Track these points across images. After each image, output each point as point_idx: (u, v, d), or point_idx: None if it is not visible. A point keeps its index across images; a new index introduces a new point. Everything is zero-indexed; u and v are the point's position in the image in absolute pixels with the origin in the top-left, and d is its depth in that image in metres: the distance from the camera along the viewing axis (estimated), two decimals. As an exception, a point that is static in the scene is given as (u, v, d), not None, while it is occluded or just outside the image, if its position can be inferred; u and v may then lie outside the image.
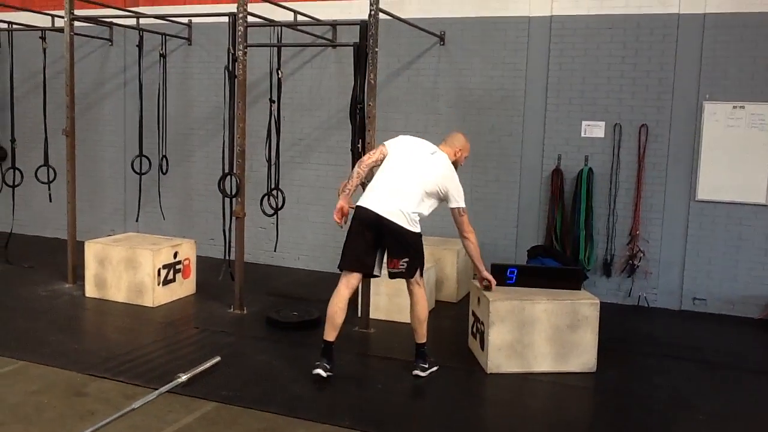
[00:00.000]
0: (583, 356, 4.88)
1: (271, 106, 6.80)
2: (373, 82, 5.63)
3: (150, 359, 4.93)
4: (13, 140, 8.07)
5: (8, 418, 3.92)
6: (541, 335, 4.83)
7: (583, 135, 6.81)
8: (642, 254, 6.69)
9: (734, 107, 6.34)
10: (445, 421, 4.12)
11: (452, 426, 4.06)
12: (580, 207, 6.75)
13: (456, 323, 5.88)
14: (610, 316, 5.84)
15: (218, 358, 4.82)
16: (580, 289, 5.14)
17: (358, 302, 5.81)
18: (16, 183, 8.04)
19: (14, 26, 8.09)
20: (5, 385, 4.38)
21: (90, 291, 6.46)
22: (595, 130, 6.77)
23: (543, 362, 4.86)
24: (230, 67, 6.21)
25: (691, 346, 5.67)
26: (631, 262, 6.72)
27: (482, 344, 4.95)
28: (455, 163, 4.86)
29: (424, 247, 4.81)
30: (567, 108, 6.84)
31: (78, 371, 4.62)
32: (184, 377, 4.43)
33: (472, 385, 4.73)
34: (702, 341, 5.81)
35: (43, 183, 8.04)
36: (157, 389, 4.29)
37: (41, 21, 8.13)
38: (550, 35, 6.82)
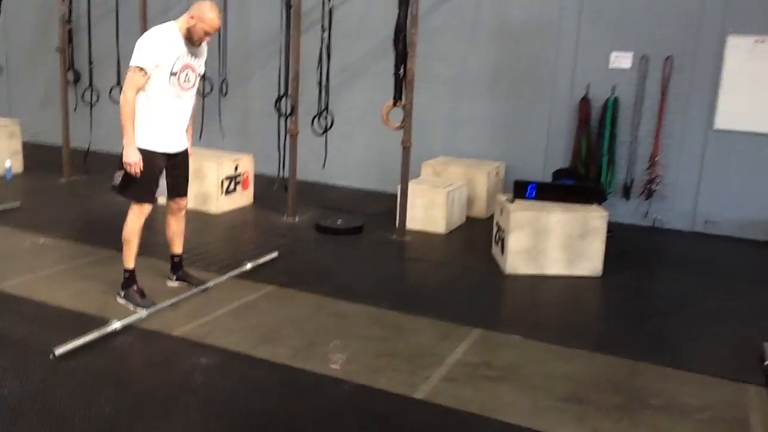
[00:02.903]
0: (591, 262, 5.58)
1: (322, 33, 7.40)
2: (415, 12, 6.20)
3: (219, 252, 5.81)
4: (90, 63, 8.89)
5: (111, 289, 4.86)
6: (554, 242, 5.54)
7: (611, 66, 7.29)
8: (660, 179, 7.24)
9: (756, 41, 6.73)
10: (467, 306, 4.93)
11: (474, 310, 4.85)
12: (604, 134, 7.29)
13: (483, 235, 6.61)
14: (625, 234, 6.51)
15: (276, 253, 5.68)
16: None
17: (396, 214, 6.57)
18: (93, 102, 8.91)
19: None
20: (106, 267, 5.32)
21: (162, 198, 7.32)
22: (623, 60, 7.24)
23: (555, 266, 5.58)
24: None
25: (696, 258, 6.32)
26: (649, 186, 7.26)
27: (502, 249, 5.68)
28: (190, 30, 4.57)
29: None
30: (597, 38, 7.30)
31: (161, 259, 5.51)
32: (249, 265, 5.31)
33: (492, 281, 5.50)
34: (707, 255, 6.45)
35: (116, 103, 8.87)
36: (227, 274, 5.17)
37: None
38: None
